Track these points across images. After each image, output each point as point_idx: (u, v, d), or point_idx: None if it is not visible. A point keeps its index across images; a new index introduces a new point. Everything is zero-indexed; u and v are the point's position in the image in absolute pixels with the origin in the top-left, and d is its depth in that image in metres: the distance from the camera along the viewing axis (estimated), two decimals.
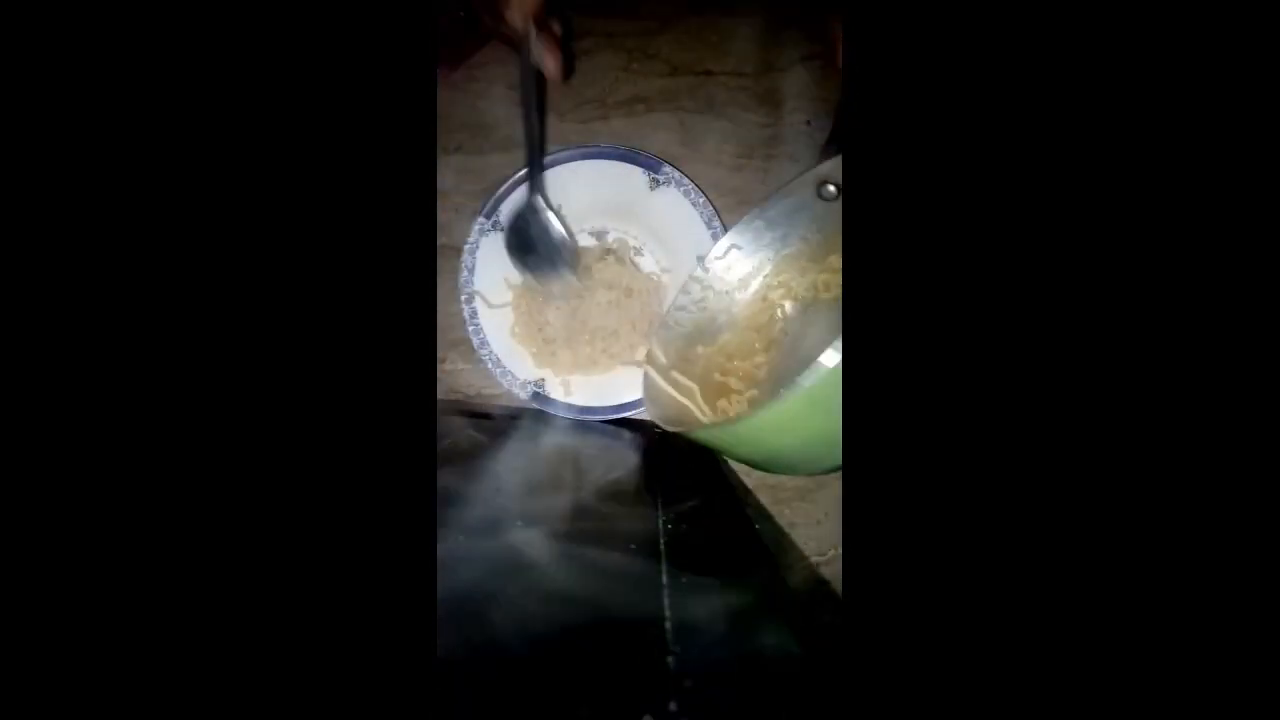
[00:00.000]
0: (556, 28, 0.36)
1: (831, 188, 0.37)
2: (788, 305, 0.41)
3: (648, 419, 0.43)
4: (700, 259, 0.41)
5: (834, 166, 0.37)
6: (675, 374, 0.40)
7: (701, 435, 0.31)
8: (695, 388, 0.39)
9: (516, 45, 0.35)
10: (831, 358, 0.24)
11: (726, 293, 0.42)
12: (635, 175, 0.42)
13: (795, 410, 0.26)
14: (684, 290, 0.41)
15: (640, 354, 0.42)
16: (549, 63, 0.35)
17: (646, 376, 0.39)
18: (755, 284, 0.42)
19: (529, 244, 0.41)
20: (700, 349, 0.41)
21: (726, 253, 0.41)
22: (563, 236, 0.40)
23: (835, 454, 0.28)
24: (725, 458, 0.38)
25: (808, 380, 0.24)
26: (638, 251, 0.43)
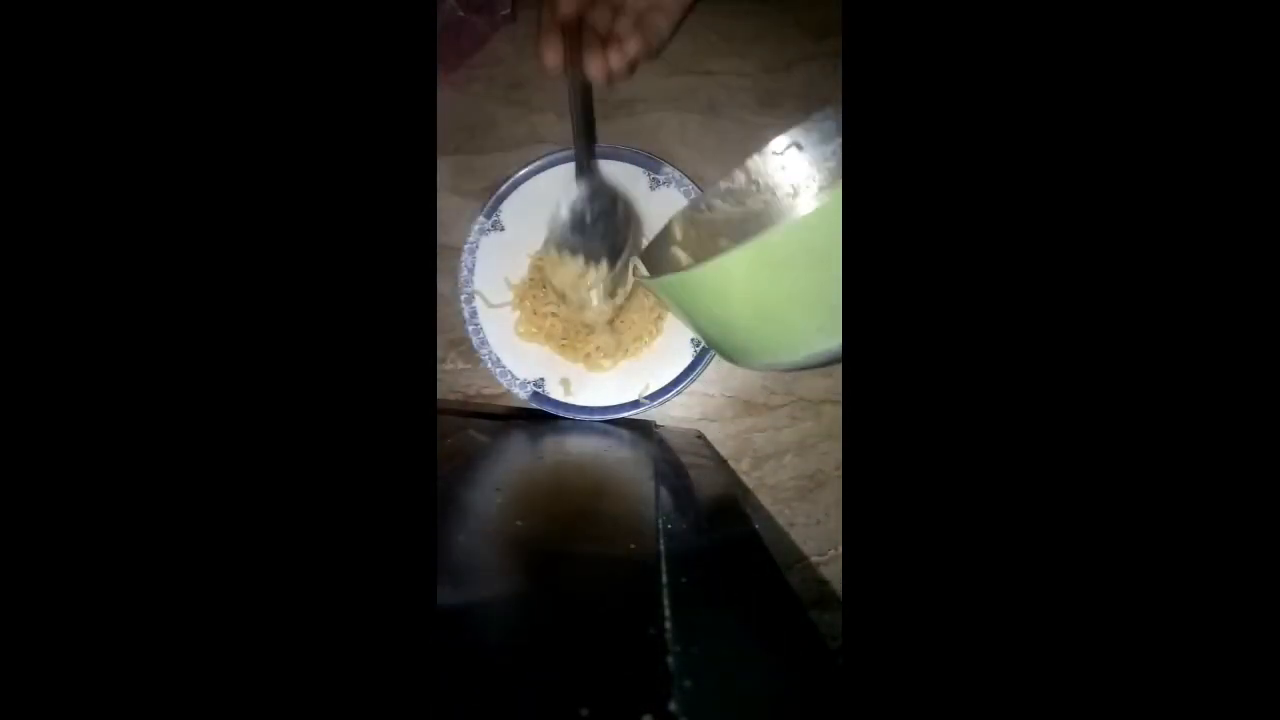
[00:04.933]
0: (601, 27, 0.34)
1: None
2: None
3: (648, 419, 0.43)
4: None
5: None
6: (680, 251, 0.36)
7: (650, 284, 0.29)
8: (693, 262, 0.36)
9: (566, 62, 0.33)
10: (775, 231, 0.22)
11: (773, 191, 0.37)
12: (635, 175, 0.42)
13: (732, 270, 0.24)
14: (728, 177, 0.37)
15: (650, 345, 0.42)
16: (593, 68, 0.33)
17: (649, 243, 0.37)
18: (806, 194, 0.36)
19: (583, 228, 0.39)
20: (723, 242, 0.37)
21: (786, 149, 0.36)
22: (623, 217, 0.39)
23: (760, 335, 0.27)
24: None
25: (746, 245, 0.23)
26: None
